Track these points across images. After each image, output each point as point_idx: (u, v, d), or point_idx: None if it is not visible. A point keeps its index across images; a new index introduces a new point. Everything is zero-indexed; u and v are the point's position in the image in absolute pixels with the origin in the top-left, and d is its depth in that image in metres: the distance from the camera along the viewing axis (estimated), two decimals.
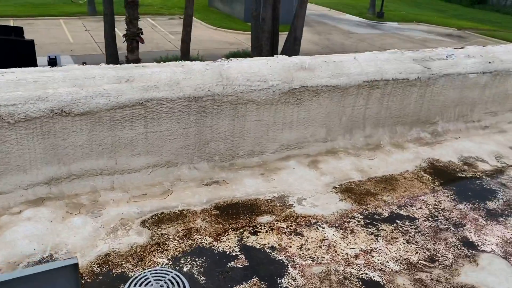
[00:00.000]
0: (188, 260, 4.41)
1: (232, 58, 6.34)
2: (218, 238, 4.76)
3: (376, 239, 4.92)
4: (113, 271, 4.16)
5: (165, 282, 3.84)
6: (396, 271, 4.45)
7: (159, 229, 4.82)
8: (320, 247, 4.72)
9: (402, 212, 5.47)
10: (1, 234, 4.50)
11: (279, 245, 4.71)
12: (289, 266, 4.41)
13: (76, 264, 2.00)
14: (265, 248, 4.65)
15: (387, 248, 4.79)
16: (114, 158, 5.40)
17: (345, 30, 44.08)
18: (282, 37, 28.80)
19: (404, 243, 4.89)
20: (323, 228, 5.04)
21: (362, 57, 6.72)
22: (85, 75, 5.14)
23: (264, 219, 5.13)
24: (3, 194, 4.92)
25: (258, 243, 4.72)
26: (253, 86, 5.85)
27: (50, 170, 5.09)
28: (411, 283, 4.30)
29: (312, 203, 5.49)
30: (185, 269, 4.26)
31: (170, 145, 5.70)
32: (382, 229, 5.10)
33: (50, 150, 5.03)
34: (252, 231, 4.91)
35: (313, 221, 5.14)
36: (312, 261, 4.50)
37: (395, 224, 5.23)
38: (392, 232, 5.08)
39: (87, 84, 5.06)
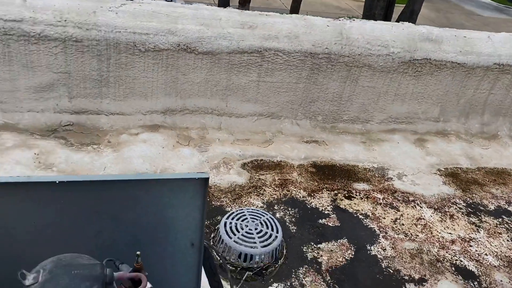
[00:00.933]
0: (282, 208, 4.53)
1: (354, 18, 6.14)
2: (312, 194, 4.81)
3: (477, 230, 4.65)
4: (213, 202, 4.42)
5: (260, 223, 4.00)
6: (495, 266, 4.20)
7: (257, 174, 4.99)
8: (415, 225, 4.58)
9: (510, 208, 5.08)
10: (120, 150, 4.96)
11: (372, 214, 4.65)
12: (380, 236, 4.35)
13: (207, 179, 2.17)
14: (357, 214, 4.62)
15: (488, 241, 4.51)
16: (226, 100, 5.61)
17: (468, 11, 40.33)
18: (398, 9, 27.16)
19: (508, 240, 4.57)
20: (421, 207, 4.86)
21: (497, 37, 6.14)
22: (213, 16, 5.32)
23: (360, 186, 5.07)
24: (125, 115, 5.38)
25: (352, 208, 4.70)
26: (372, 50, 5.65)
27: (168, 101, 5.44)
28: (509, 282, 4.04)
29: (412, 181, 5.30)
30: (278, 215, 4.39)
31: (278, 98, 5.77)
32: (485, 221, 4.80)
33: (171, 82, 5.35)
34: (347, 195, 4.89)
35: (411, 199, 4.98)
36: (405, 236, 4.40)
37: (500, 219, 4.89)
38: (496, 226, 4.76)
39: (213, 24, 5.24)
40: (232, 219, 4.02)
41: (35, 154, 4.63)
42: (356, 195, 4.91)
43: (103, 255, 1.83)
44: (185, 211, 2.17)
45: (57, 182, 1.92)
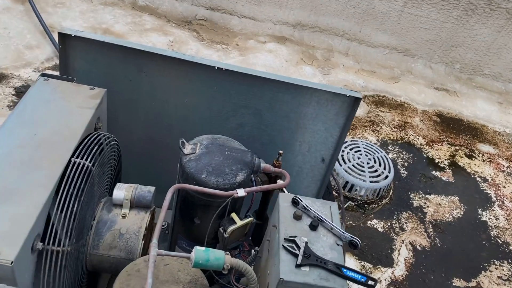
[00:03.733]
0: (396, 150, 4.35)
1: None
2: (431, 144, 4.53)
3: None
4: None
5: (374, 158, 3.89)
6: None
7: (377, 109, 4.78)
8: None
9: None
10: (246, 55, 4.99)
11: (492, 179, 4.30)
12: (495, 204, 4.04)
13: (359, 99, 2.07)
14: (476, 176, 4.30)
15: None
16: (361, 25, 5.28)
17: None
18: None
19: None
20: None
21: None
22: None
23: (485, 148, 4.66)
24: (256, 21, 5.32)
25: (471, 168, 4.37)
26: None
27: (301, 14, 5.26)
28: None
29: None
30: (390, 156, 4.23)
31: (417, 34, 5.30)
32: None
33: None
34: (468, 153, 4.54)
35: None
36: None
37: None
38: None
39: None
40: (345, 148, 3.94)
41: (169, 41, 4.82)
42: (479, 156, 4.54)
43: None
44: (325, 126, 2.13)
45: (216, 67, 1.95)
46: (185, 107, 2.07)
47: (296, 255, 1.41)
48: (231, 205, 1.65)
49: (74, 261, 1.45)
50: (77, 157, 1.46)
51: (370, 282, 1.40)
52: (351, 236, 1.49)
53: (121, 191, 1.62)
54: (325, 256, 1.44)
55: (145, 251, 1.59)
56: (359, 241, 1.48)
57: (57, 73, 1.91)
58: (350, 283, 1.42)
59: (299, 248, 1.42)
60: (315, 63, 5.16)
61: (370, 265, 3.29)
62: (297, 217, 1.54)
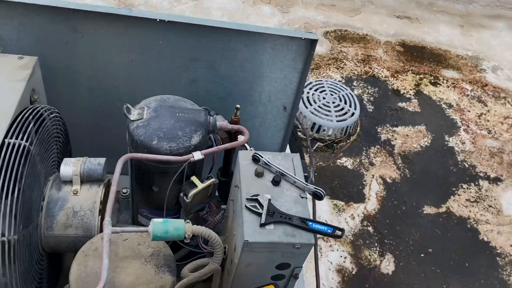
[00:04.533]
0: (361, 85, 4.30)
1: None
2: (396, 76, 4.50)
3: None
4: None
5: (339, 97, 3.83)
6: None
7: (339, 45, 4.66)
8: (502, 123, 4.25)
9: None
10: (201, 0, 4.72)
11: (457, 105, 4.33)
12: (461, 129, 4.10)
13: (315, 41, 1.95)
14: (441, 103, 4.32)
15: None
16: None
17: None
18: None
19: None
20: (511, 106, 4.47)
21: None
22: None
23: (449, 73, 4.66)
24: None
25: (436, 95, 4.38)
26: None
27: None
28: None
29: (508, 76, 4.80)
30: (356, 92, 4.19)
31: None
32: None
33: None
34: (433, 81, 4.54)
35: (502, 95, 4.55)
36: (488, 133, 4.12)
37: None
38: None
39: None
40: (310, 89, 3.86)
41: None
42: (443, 82, 4.54)
43: (197, 105, 1.76)
44: (283, 73, 2.02)
45: (158, 20, 1.78)
46: (130, 66, 1.92)
47: (259, 214, 1.36)
48: (190, 169, 1.57)
49: (25, 247, 1.36)
50: (11, 137, 1.33)
51: (337, 233, 1.38)
52: (314, 188, 1.44)
53: (69, 167, 1.51)
54: (289, 211, 1.39)
55: (102, 228, 1.51)
56: (323, 192, 1.44)
57: None
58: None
59: (262, 206, 1.37)
60: (273, 2, 4.94)
61: (342, 203, 3.33)
62: (258, 174, 1.47)
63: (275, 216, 1.36)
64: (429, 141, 3.92)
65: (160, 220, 1.29)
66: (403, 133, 3.95)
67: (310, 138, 3.70)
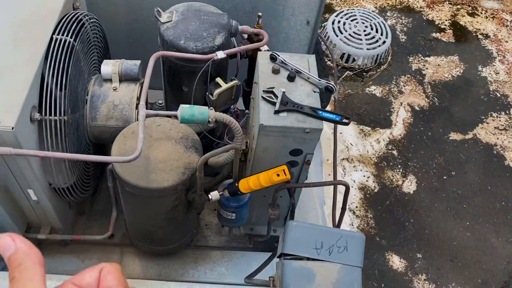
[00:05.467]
0: (395, 15, 4.25)
1: None
2: (431, 6, 4.40)
3: None
4: None
5: (370, 25, 3.83)
6: None
7: None
8: None
9: None
10: None
11: (494, 35, 4.22)
12: (496, 60, 4.03)
13: None
14: (477, 33, 4.22)
15: None
16: None
17: None
18: None
19: None
20: None
21: None
22: None
23: (489, 3, 4.50)
24: None
25: (472, 26, 4.28)
26: None
27: None
28: None
29: None
30: (389, 22, 4.15)
31: None
32: None
33: None
34: (471, 11, 4.40)
35: None
36: None
37: None
38: None
39: None
40: (341, 18, 3.87)
41: None
42: (482, 13, 4.41)
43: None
44: None
45: None
46: None
47: (274, 103, 1.51)
48: (215, 70, 1.73)
49: (74, 130, 1.59)
50: (57, 34, 1.52)
51: (344, 120, 1.52)
52: (326, 82, 1.57)
53: (108, 66, 1.71)
54: (302, 103, 1.54)
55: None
56: (334, 86, 1.57)
57: None
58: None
59: (277, 97, 1.52)
60: None
61: (369, 128, 3.44)
62: (275, 71, 1.61)
63: (288, 105, 1.52)
64: (461, 71, 3.89)
65: (187, 105, 1.48)
66: (435, 63, 3.93)
67: (340, 67, 3.76)
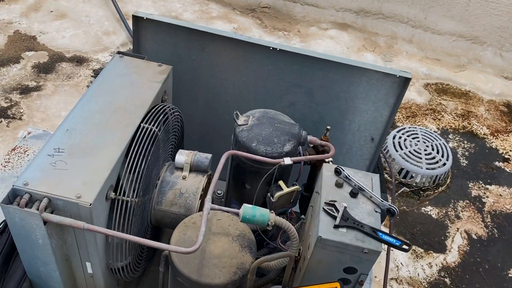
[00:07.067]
0: (457, 138, 4.26)
1: None
2: (496, 134, 4.38)
3: None
4: None
5: (431, 146, 3.85)
6: None
7: (439, 97, 4.68)
8: None
9: None
10: (307, 41, 5.08)
11: None
12: None
13: (408, 80, 2.12)
14: None
15: None
16: (426, 12, 5.16)
17: None
18: None
19: None
20: None
21: None
22: None
23: None
24: (319, 8, 5.39)
25: None
26: None
27: (364, 1, 5.24)
28: None
29: None
30: (451, 144, 4.16)
31: (488, 21, 5.08)
32: None
33: None
34: None
35: None
36: None
37: None
38: None
39: None
40: (403, 134, 3.94)
41: (234, 28, 5.02)
42: None
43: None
44: (375, 105, 2.21)
45: (271, 48, 2.09)
46: (242, 85, 2.24)
47: (334, 217, 1.53)
48: (279, 174, 1.80)
49: (140, 212, 1.67)
50: (145, 123, 1.68)
51: (404, 246, 1.50)
52: (389, 204, 1.58)
53: (183, 156, 1.83)
54: (362, 221, 1.55)
55: (201, 209, 1.78)
56: (396, 209, 1.58)
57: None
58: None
59: (338, 211, 1.55)
60: (377, 50, 5.14)
61: (422, 250, 3.31)
62: (338, 185, 1.66)
63: (348, 222, 1.53)
64: None
65: (250, 205, 1.53)
66: (497, 193, 3.81)
67: (397, 182, 3.74)
